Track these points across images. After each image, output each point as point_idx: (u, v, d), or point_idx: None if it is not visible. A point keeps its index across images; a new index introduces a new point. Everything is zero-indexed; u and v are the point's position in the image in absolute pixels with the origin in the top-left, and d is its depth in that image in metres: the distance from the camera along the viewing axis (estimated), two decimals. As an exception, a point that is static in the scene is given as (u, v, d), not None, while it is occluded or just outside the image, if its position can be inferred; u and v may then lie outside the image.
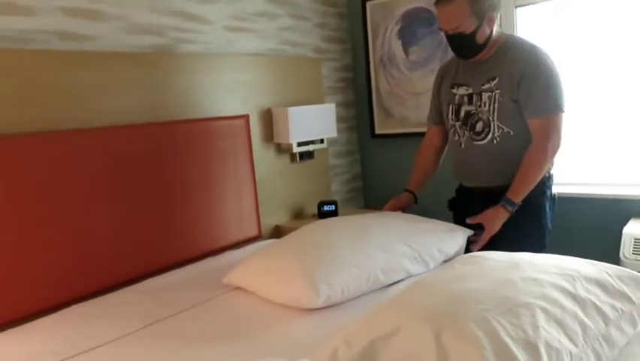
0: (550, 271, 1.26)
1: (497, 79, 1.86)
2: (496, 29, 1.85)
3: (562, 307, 1.12)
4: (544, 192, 1.91)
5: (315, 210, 2.91)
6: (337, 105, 3.27)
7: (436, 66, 2.98)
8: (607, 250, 2.46)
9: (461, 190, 2.13)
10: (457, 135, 1.99)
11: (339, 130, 3.28)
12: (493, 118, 1.86)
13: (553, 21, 2.68)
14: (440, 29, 1.88)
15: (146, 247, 2.13)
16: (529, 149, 1.83)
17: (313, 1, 3.11)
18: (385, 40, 3.20)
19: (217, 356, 1.36)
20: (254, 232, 2.62)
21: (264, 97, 2.72)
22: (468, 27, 1.80)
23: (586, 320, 1.13)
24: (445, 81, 2.05)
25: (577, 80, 2.64)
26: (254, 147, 2.64)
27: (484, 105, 1.88)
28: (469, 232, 1.92)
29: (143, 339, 1.51)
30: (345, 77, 3.38)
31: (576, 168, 2.71)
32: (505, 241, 1.80)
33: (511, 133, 1.85)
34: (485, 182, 1.96)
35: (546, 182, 1.92)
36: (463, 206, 2.05)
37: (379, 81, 3.27)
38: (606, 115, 2.60)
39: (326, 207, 2.84)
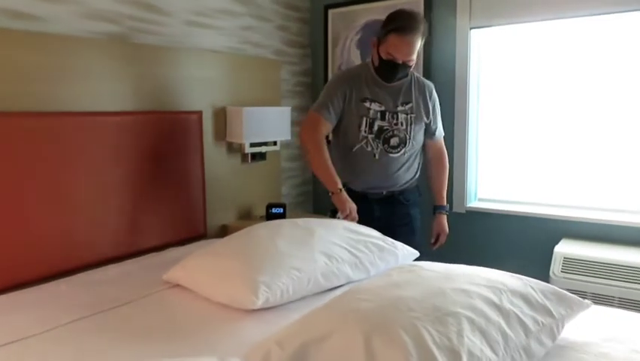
0: (480, 283, 1.33)
1: (412, 104, 2.18)
2: None
3: (487, 318, 1.18)
4: (413, 191, 2.33)
5: (264, 212, 2.91)
6: (294, 109, 3.29)
7: (391, 79, 3.06)
8: (538, 267, 2.59)
9: (353, 197, 2.16)
10: (369, 147, 2.17)
11: (293, 134, 3.30)
12: (410, 136, 2.19)
13: (504, 43, 2.80)
14: (391, 55, 2.02)
15: (87, 239, 2.08)
16: (439, 162, 2.34)
17: (276, 3, 3.13)
18: (345, 48, 3.24)
19: (145, 355, 1.32)
20: (200, 231, 2.59)
21: (219, 95, 2.71)
22: (414, 59, 2.08)
23: (508, 331, 1.19)
24: (352, 92, 2.15)
25: (518, 102, 2.77)
26: (206, 145, 2.62)
27: (401, 125, 2.17)
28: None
29: (70, 333, 1.45)
30: (304, 82, 3.41)
31: (512, 187, 2.84)
32: (404, 234, 2.19)
33: (415, 148, 2.24)
34: (390, 187, 2.23)
35: (411, 183, 2.30)
36: (361, 212, 2.16)
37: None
38: (544, 137, 2.74)
39: (274, 210, 2.85)
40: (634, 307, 2.18)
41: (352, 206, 2.12)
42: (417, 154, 2.28)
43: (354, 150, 2.18)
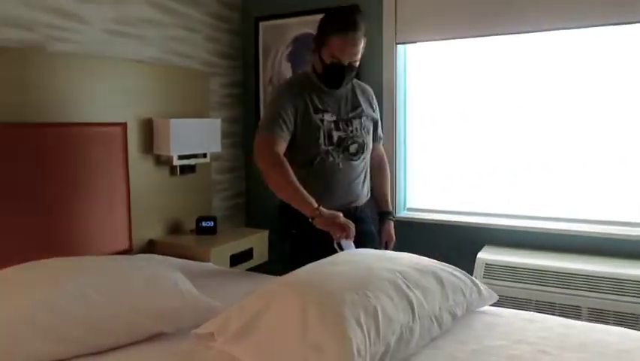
0: (406, 264, 1.57)
1: (360, 107, 2.10)
2: None
3: (404, 288, 1.44)
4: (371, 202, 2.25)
5: (194, 226, 2.85)
6: (224, 121, 3.25)
7: (322, 91, 3.10)
8: (463, 273, 2.69)
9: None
10: (331, 157, 2.00)
11: (224, 146, 3.26)
12: (366, 141, 2.10)
13: (428, 59, 2.92)
14: (334, 58, 1.89)
15: (2, 255, 1.95)
16: (385, 165, 2.29)
17: (205, 14, 3.10)
18: (276, 61, 3.25)
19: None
20: (124, 246, 2.50)
21: (146, 106, 2.64)
22: (359, 60, 1.98)
23: (423, 301, 1.45)
24: (303, 105, 1.97)
25: (446, 114, 2.89)
26: (131, 157, 2.54)
27: (356, 130, 2.07)
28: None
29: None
30: (234, 94, 3.38)
31: (436, 196, 2.94)
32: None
33: (369, 152, 2.16)
34: (354, 201, 2.08)
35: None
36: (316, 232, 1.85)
37: (267, 101, 3.31)
38: (471, 147, 2.86)
39: (204, 223, 2.80)
40: (549, 310, 2.30)
41: (342, 221, 1.81)
42: (368, 162, 2.17)
43: (314, 164, 1.99)
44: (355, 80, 2.14)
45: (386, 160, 2.32)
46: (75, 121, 2.28)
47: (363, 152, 2.09)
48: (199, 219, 2.80)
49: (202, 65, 3.09)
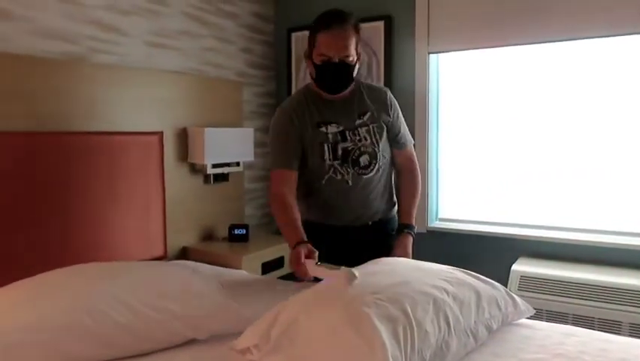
0: (441, 276, 1.56)
1: (369, 113, 1.92)
2: None
3: (440, 302, 1.42)
4: (395, 216, 2.07)
5: (226, 233, 2.89)
6: (257, 130, 3.30)
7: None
8: (497, 285, 2.64)
9: (327, 232, 1.93)
10: (339, 175, 1.89)
11: (257, 154, 3.30)
12: (378, 149, 1.91)
13: (464, 68, 2.89)
14: (323, 57, 1.77)
15: (36, 262, 2.01)
16: (409, 175, 2.04)
17: (240, 26, 3.16)
18: (308, 71, 3.28)
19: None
20: (159, 252, 2.55)
21: (181, 116, 2.70)
22: (353, 57, 1.80)
23: (459, 314, 1.43)
24: (301, 122, 1.88)
25: (480, 124, 2.85)
26: (167, 166, 2.60)
27: (365, 139, 1.90)
28: None
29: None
30: (267, 103, 3.43)
31: (472, 207, 2.89)
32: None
33: (386, 161, 1.97)
34: (372, 216, 1.97)
35: (395, 206, 2.08)
36: (335, 249, 1.84)
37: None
38: (505, 158, 2.81)
39: (237, 231, 2.83)
40: (588, 325, 2.23)
41: (292, 262, 1.66)
42: (389, 171, 2.02)
43: (323, 182, 1.90)
44: (365, 83, 2.00)
45: (413, 167, 2.06)
46: (114, 130, 2.35)
47: (376, 163, 1.92)
48: (232, 227, 2.84)
49: (236, 76, 3.14)
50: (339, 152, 1.88)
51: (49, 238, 2.07)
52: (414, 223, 2.01)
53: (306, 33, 3.41)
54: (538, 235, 2.65)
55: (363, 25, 3.03)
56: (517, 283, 2.41)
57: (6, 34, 2.02)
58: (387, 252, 1.91)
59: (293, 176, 1.88)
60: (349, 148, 1.88)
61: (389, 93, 1.99)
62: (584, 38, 2.51)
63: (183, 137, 2.72)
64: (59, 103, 2.14)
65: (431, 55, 2.90)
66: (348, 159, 1.89)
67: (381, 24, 2.99)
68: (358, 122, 1.91)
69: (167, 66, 2.70)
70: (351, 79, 1.85)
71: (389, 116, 1.96)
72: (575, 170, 2.64)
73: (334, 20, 1.78)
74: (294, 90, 3.35)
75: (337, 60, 1.77)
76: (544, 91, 2.68)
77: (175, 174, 2.67)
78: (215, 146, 2.72)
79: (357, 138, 1.89)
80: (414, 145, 2.11)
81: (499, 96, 2.81)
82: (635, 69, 2.46)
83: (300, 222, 1.79)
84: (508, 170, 2.81)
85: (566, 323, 2.24)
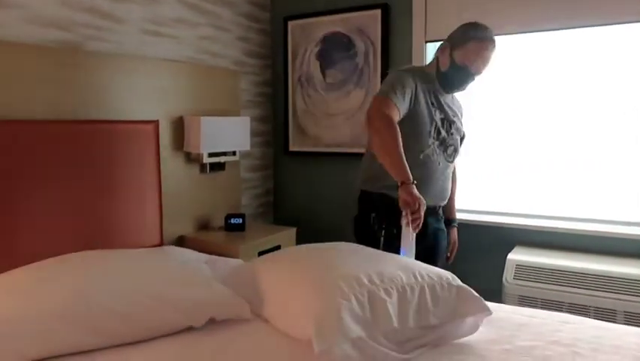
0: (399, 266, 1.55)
1: (457, 115, 2.15)
2: None
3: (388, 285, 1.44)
4: None
5: (223, 223, 2.89)
6: (254, 119, 3.29)
7: (351, 89, 3.10)
8: (492, 274, 2.65)
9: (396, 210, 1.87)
10: (434, 154, 2.02)
11: (254, 144, 3.29)
12: (459, 146, 2.15)
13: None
14: (471, 66, 1.96)
15: (35, 251, 2.01)
16: (456, 177, 2.31)
17: (237, 14, 3.13)
18: (305, 60, 3.27)
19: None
20: (155, 241, 2.54)
21: (177, 104, 2.68)
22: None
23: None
24: (420, 94, 1.98)
25: (470, 112, 2.85)
26: (162, 155, 2.58)
27: (454, 134, 2.10)
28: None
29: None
30: (264, 92, 3.41)
31: (466, 196, 2.90)
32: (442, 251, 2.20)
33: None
34: (443, 199, 2.13)
35: None
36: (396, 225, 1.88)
37: (296, 99, 3.33)
38: (499, 148, 2.81)
39: (233, 220, 2.83)
40: (583, 313, 2.25)
41: (422, 202, 1.71)
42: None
43: (422, 156, 1.98)
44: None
45: (454, 166, 2.26)
46: (109, 119, 2.34)
47: (456, 156, 2.14)
48: (228, 216, 2.83)
49: (233, 64, 3.12)
50: (442, 135, 2.04)
51: (43, 227, 2.06)
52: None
53: (304, 22, 3.41)
54: (534, 224, 2.66)
55: (360, 13, 3.05)
56: (513, 271, 2.42)
57: (2, 21, 2.00)
58: (440, 232, 2.16)
59: (397, 116, 1.86)
60: (445, 137, 2.06)
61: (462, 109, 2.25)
62: (588, 26, 2.50)
63: (179, 126, 2.70)
64: (53, 91, 2.12)
65: (428, 43, 2.89)
66: (443, 144, 2.06)
67: (378, 12, 2.98)
68: (453, 118, 2.11)
69: (164, 54, 2.68)
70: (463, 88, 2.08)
71: (461, 125, 2.19)
72: (570, 159, 2.64)
73: (491, 39, 1.96)
74: (290, 79, 3.34)
75: (475, 73, 1.99)
76: (539, 79, 2.68)
77: (171, 163, 2.66)
78: (212, 135, 2.70)
79: (451, 130, 2.09)
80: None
81: (494, 84, 2.80)
82: (624, 59, 2.45)
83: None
84: (503, 159, 2.81)
85: (561, 311, 2.25)
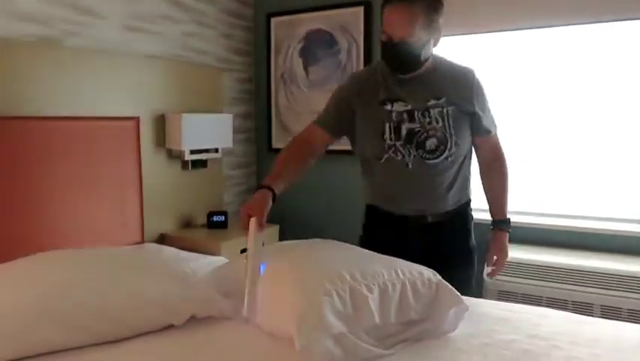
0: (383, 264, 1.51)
1: (444, 96, 1.72)
2: None
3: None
4: (469, 213, 1.90)
5: (205, 220, 2.87)
6: (237, 116, 3.27)
7: (334, 86, 3.09)
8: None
9: (385, 220, 1.81)
10: (399, 155, 1.72)
11: (236, 141, 3.28)
12: (450, 133, 1.71)
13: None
14: (385, 34, 1.63)
15: (14, 249, 1.97)
16: (496, 163, 1.86)
17: (220, 11, 3.11)
18: (287, 57, 3.26)
19: None
20: (136, 239, 2.52)
21: (158, 101, 2.66)
22: (419, 38, 1.60)
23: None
24: (365, 96, 1.76)
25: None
26: (144, 152, 2.56)
27: (436, 122, 1.71)
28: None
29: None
30: (247, 90, 3.40)
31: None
32: (440, 263, 1.65)
33: (462, 151, 1.76)
34: (428, 210, 1.77)
35: (470, 203, 1.90)
36: (386, 238, 1.77)
37: (279, 96, 3.32)
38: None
39: (216, 218, 2.82)
40: (561, 307, 2.28)
41: (246, 208, 1.54)
42: (465, 160, 1.81)
43: (382, 161, 1.74)
44: (449, 62, 1.80)
45: (501, 155, 1.87)
46: (89, 115, 2.30)
47: (446, 149, 1.71)
48: (210, 214, 2.82)
49: (216, 61, 3.10)
50: (404, 132, 1.72)
51: (22, 225, 2.03)
52: (506, 217, 1.87)
53: (287, 18, 3.40)
54: (513, 220, 2.68)
55: (342, 11, 3.04)
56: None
57: (-26, 15, 1.96)
58: (444, 257, 1.73)
59: (322, 135, 1.80)
60: (416, 130, 1.71)
61: (475, 76, 1.78)
62: (581, 24, 2.53)
63: (161, 123, 2.68)
64: (33, 87, 2.08)
65: (411, 41, 2.90)
66: (413, 140, 1.72)
67: (360, 9, 2.99)
68: (431, 102, 1.72)
69: (145, 50, 2.65)
70: (415, 61, 1.66)
71: (472, 100, 1.74)
72: (548, 155, 2.68)
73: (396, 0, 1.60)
74: (273, 76, 3.33)
75: (396, 40, 1.61)
76: (520, 76, 2.71)
77: (152, 160, 2.64)
78: (193, 132, 2.69)
79: (427, 120, 1.71)
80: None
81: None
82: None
83: (288, 171, 1.74)
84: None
85: (539, 305, 2.28)
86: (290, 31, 3.23)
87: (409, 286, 1.45)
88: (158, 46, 2.72)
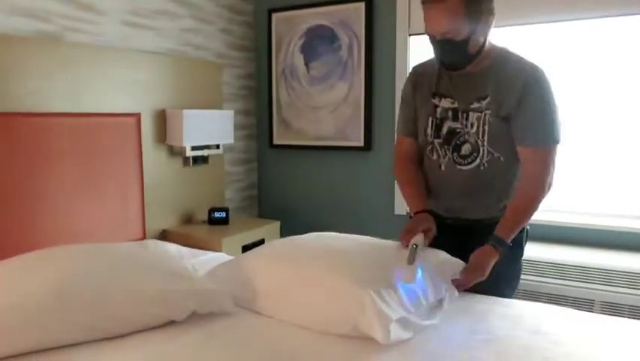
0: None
1: (489, 97, 1.59)
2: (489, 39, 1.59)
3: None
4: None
5: (206, 217, 2.87)
6: (238, 113, 3.27)
7: (335, 82, 3.10)
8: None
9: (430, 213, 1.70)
10: (435, 154, 1.69)
11: (238, 137, 3.28)
12: (483, 142, 1.61)
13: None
14: (427, 34, 1.57)
15: (15, 246, 1.98)
16: (525, 181, 1.61)
17: (219, 6, 3.10)
18: (289, 53, 3.26)
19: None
20: (138, 235, 2.53)
21: (159, 97, 2.65)
22: (460, 33, 1.51)
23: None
24: (420, 89, 1.72)
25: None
26: (145, 148, 2.56)
27: (471, 126, 1.62)
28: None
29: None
30: (248, 85, 3.39)
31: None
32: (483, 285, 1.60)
33: (502, 159, 1.62)
34: (462, 213, 1.71)
35: None
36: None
37: (280, 92, 3.32)
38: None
39: (217, 214, 2.82)
40: (562, 303, 2.28)
41: (405, 231, 1.59)
42: (505, 171, 1.64)
43: (423, 156, 1.74)
44: (508, 57, 1.61)
45: (533, 171, 1.59)
46: (90, 111, 2.30)
47: (478, 155, 1.61)
48: (211, 210, 2.82)
49: (216, 57, 3.10)
50: (444, 130, 1.65)
51: (22, 222, 2.03)
52: (507, 239, 1.58)
53: (288, 14, 3.39)
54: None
55: (343, 7, 3.04)
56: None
57: (-25, 11, 1.96)
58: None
59: (411, 142, 1.77)
60: (457, 130, 1.63)
61: (532, 75, 1.56)
62: (576, 19, 2.51)
63: (162, 119, 2.68)
64: (32, 83, 2.08)
65: (412, 37, 2.89)
66: (452, 141, 1.64)
67: (362, 5, 2.98)
68: (474, 105, 1.61)
69: (145, 46, 2.65)
70: (464, 58, 1.55)
71: (512, 101, 1.56)
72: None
73: None
74: (274, 72, 3.32)
75: (438, 37, 1.53)
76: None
77: (153, 156, 2.64)
78: (194, 128, 2.68)
79: (467, 122, 1.62)
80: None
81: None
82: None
83: (421, 187, 1.73)
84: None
85: (539, 301, 2.29)
86: (291, 27, 3.22)
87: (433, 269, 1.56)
88: (158, 42, 2.72)
